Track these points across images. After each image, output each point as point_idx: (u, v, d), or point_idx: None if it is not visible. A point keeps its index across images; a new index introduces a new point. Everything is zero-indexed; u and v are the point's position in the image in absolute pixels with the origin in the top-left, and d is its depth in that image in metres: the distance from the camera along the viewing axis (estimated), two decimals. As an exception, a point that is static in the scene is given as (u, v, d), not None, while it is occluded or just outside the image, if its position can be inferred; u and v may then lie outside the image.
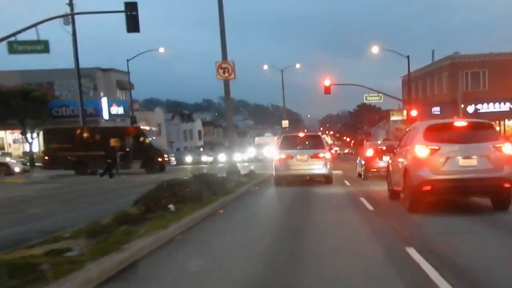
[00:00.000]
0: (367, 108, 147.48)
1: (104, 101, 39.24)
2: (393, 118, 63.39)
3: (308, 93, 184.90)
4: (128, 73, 50.59)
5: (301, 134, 20.44)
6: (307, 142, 18.33)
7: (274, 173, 17.79)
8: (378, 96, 41.92)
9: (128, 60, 40.03)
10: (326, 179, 17.72)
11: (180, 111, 68.81)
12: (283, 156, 17.48)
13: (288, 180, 18.29)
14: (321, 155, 17.45)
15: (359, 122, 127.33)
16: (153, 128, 51.92)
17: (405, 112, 62.11)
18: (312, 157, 17.29)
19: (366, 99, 41.86)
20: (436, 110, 46.27)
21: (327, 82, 39.95)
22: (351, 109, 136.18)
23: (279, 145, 18.52)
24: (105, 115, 39.31)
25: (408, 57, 41.74)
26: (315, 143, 18.17)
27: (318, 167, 17.39)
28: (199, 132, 78.31)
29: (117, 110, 42.34)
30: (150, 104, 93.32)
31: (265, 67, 47.34)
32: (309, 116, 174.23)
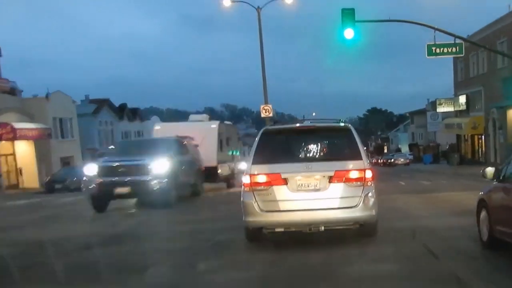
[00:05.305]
0: (378, 112, 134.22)
1: None
2: (440, 109, 41.46)
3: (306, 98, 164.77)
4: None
5: (304, 127, 8.40)
6: (317, 145, 7.75)
7: (244, 217, 7.30)
8: (454, 45, 19.81)
9: None
10: (365, 229, 7.56)
11: (110, 103, 44.36)
12: (262, 177, 7.19)
13: (277, 233, 7.59)
14: (353, 172, 7.21)
15: (371, 128, 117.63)
16: (41, 126, 29.92)
17: (462, 99, 40.25)
18: (332, 178, 7.16)
19: (430, 53, 19.78)
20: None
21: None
22: (361, 114, 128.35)
23: (254, 152, 7.52)
24: None
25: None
26: (336, 145, 7.96)
27: (345, 203, 7.14)
28: (157, 136, 55.68)
29: None
30: (148, 114, 70.46)
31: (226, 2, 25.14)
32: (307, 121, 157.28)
